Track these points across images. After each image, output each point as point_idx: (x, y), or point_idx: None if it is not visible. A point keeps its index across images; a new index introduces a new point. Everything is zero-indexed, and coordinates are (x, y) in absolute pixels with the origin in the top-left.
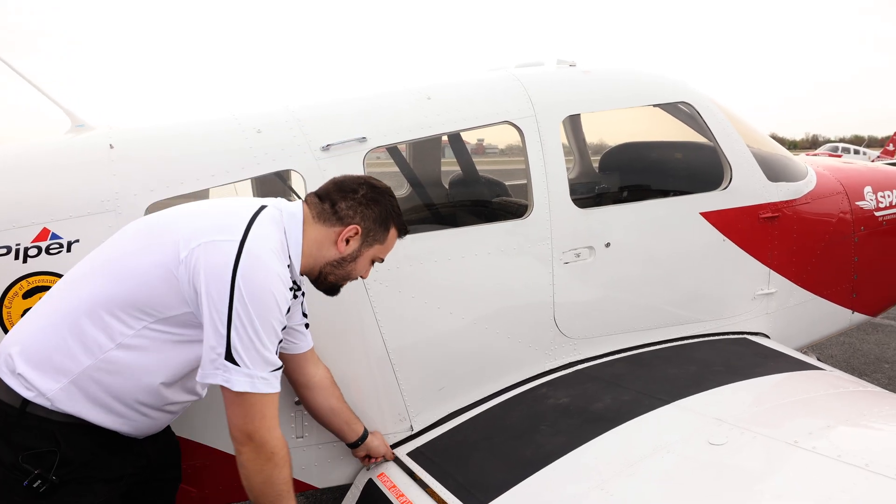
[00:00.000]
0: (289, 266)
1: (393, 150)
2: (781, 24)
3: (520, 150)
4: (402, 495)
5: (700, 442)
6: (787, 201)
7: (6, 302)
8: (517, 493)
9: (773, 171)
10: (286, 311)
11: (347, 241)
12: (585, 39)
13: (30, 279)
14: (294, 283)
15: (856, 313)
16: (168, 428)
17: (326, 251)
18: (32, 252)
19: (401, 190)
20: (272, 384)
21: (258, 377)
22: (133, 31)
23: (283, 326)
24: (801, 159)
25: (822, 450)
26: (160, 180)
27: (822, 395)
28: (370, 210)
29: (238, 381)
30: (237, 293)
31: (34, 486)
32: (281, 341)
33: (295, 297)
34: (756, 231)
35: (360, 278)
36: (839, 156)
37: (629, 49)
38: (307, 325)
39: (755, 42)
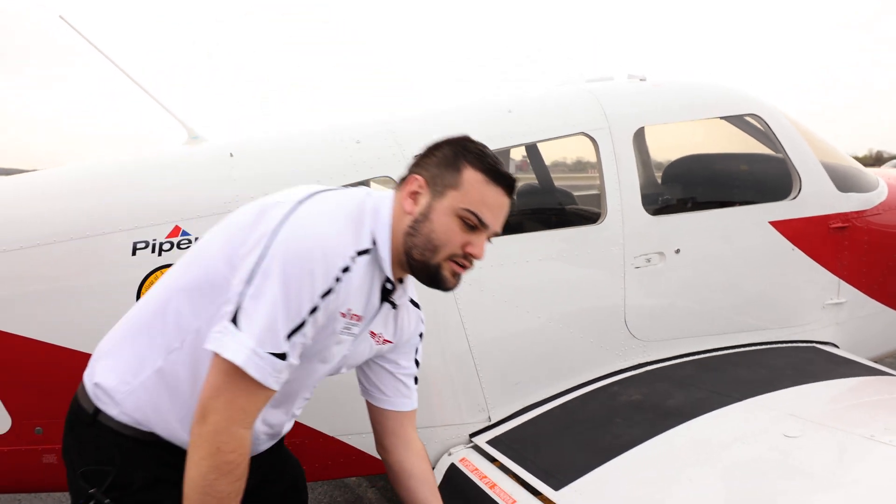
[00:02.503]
0: (369, 250)
1: None
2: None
3: (586, 165)
4: (485, 477)
5: (776, 435)
6: (857, 212)
7: (143, 290)
8: (596, 476)
9: (843, 182)
10: (329, 292)
11: (416, 199)
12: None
13: (164, 270)
14: (363, 253)
15: None
16: (282, 450)
17: (402, 220)
18: (166, 247)
19: None
20: (264, 371)
21: (252, 351)
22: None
23: (313, 307)
24: (871, 171)
25: None
26: (273, 184)
27: None
28: (433, 156)
29: (230, 346)
30: (273, 248)
31: None
32: (303, 329)
33: (386, 300)
34: (826, 241)
35: (465, 257)
36: None
37: (684, 59)
38: (416, 380)
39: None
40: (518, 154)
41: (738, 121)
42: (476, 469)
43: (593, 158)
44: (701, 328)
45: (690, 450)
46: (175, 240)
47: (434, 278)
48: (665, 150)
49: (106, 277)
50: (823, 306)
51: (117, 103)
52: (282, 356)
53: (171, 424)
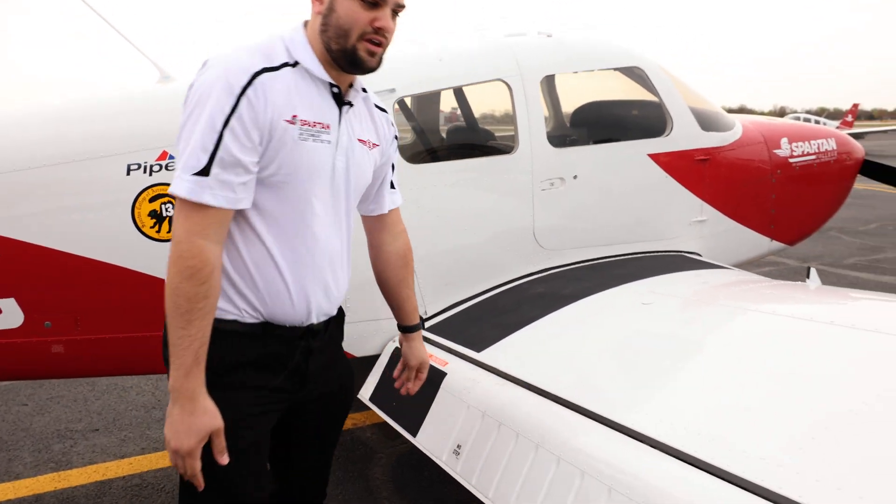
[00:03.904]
0: (287, 64)
1: (415, 101)
2: None
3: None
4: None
5: (636, 303)
6: (716, 147)
7: (137, 204)
8: (507, 341)
9: (706, 123)
10: (236, 106)
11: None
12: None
13: (154, 188)
14: (274, 69)
15: (773, 241)
16: (340, 352)
17: (315, 23)
18: (156, 168)
19: (413, 134)
20: (194, 191)
21: (180, 178)
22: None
23: (224, 121)
24: (730, 115)
25: (727, 302)
26: None
27: (732, 280)
28: None
29: (173, 184)
30: (188, 95)
31: None
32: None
33: (341, 103)
34: (692, 170)
35: (376, 32)
36: None
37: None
38: (392, 185)
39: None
40: (448, 107)
41: (626, 71)
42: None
43: (509, 100)
44: (593, 240)
45: (573, 318)
46: (163, 162)
47: (354, 61)
48: (574, 96)
49: (104, 194)
50: (689, 223)
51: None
52: (204, 171)
53: (230, 289)
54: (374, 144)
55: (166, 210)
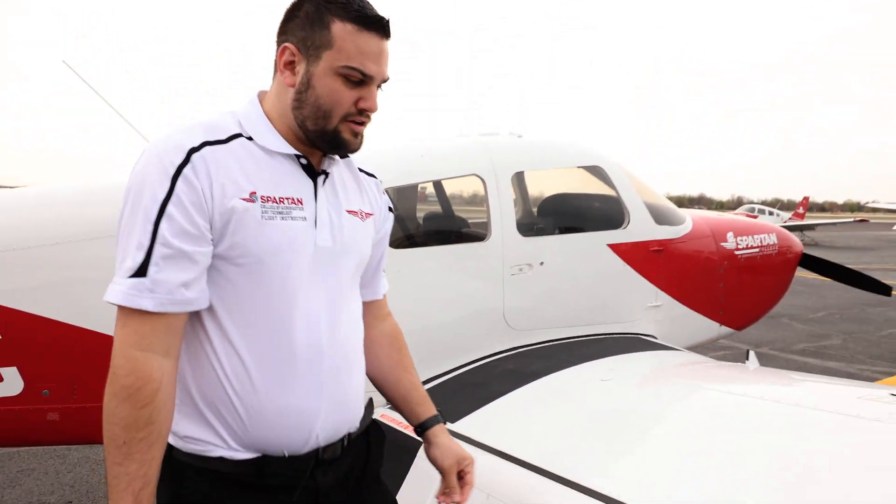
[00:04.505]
0: (237, 136)
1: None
2: None
3: (478, 200)
4: (400, 423)
5: (595, 380)
6: (669, 239)
7: None
8: (477, 414)
9: (660, 217)
10: (171, 191)
11: (293, 70)
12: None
13: None
14: (217, 143)
15: (722, 326)
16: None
17: (285, 96)
18: None
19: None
20: (127, 296)
21: (115, 282)
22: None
23: (159, 212)
24: (682, 210)
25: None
26: None
27: (683, 360)
28: (296, 18)
29: (108, 291)
30: (126, 187)
31: None
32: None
33: (314, 173)
34: (647, 259)
35: (360, 114)
36: (755, 216)
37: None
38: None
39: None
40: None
41: (589, 168)
42: (393, 419)
43: (483, 193)
44: (558, 321)
45: (539, 392)
46: None
47: (335, 143)
48: (541, 189)
49: (103, 272)
50: (646, 308)
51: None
52: (140, 271)
53: (211, 417)
54: (366, 214)
55: None
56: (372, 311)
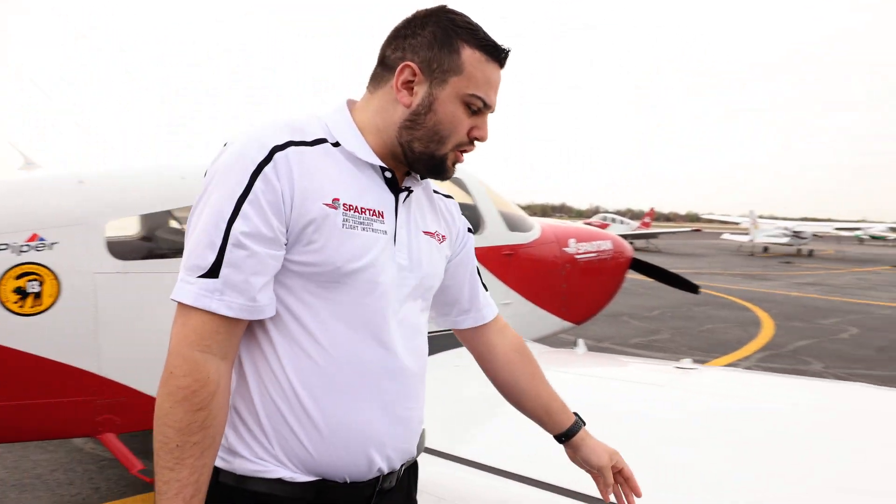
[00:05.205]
0: (322, 140)
1: None
2: None
3: None
4: None
5: (450, 365)
6: (519, 244)
7: (2, 281)
8: None
9: (511, 224)
10: (249, 189)
11: (411, 89)
12: None
13: (21, 266)
14: (302, 144)
15: (564, 321)
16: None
17: (393, 113)
18: (24, 249)
19: None
20: (200, 297)
21: (184, 280)
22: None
23: (236, 206)
24: (532, 218)
25: None
26: (112, 204)
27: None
28: (419, 36)
29: (175, 289)
30: (203, 182)
31: None
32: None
33: (398, 189)
34: (500, 262)
35: (471, 143)
36: (606, 224)
37: None
38: (485, 286)
39: None
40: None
41: (454, 180)
42: None
43: None
44: None
45: None
46: (33, 244)
47: (437, 168)
48: None
49: None
50: (498, 305)
51: None
52: (212, 272)
53: (258, 448)
54: (442, 237)
55: (31, 287)
56: (489, 328)
